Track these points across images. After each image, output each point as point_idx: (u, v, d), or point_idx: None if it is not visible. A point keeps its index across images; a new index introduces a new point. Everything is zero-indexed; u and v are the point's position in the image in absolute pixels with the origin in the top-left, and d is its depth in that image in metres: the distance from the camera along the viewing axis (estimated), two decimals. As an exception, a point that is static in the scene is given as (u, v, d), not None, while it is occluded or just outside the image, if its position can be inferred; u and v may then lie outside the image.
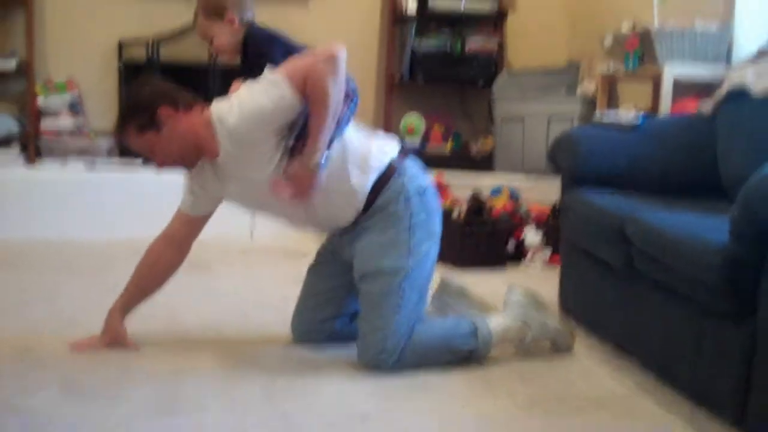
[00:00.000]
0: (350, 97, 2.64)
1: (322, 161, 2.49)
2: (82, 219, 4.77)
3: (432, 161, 5.55)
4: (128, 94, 2.68)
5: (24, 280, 3.73)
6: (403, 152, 2.71)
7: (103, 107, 5.38)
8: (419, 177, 2.69)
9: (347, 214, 2.65)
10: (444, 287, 3.05)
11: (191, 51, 5.37)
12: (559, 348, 2.84)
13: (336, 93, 2.44)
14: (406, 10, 5.80)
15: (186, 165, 2.67)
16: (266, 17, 5.64)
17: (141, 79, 2.69)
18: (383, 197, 2.61)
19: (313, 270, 2.91)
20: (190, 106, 2.59)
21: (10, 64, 5.31)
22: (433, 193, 2.72)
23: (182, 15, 5.41)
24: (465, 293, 3.02)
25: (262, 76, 2.47)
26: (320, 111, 2.44)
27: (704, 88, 4.05)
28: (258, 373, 2.58)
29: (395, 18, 5.95)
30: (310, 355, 2.77)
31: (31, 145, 5.26)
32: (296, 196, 2.53)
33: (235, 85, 2.64)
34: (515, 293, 2.84)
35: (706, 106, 3.37)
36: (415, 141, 5.83)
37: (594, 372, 2.69)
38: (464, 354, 2.68)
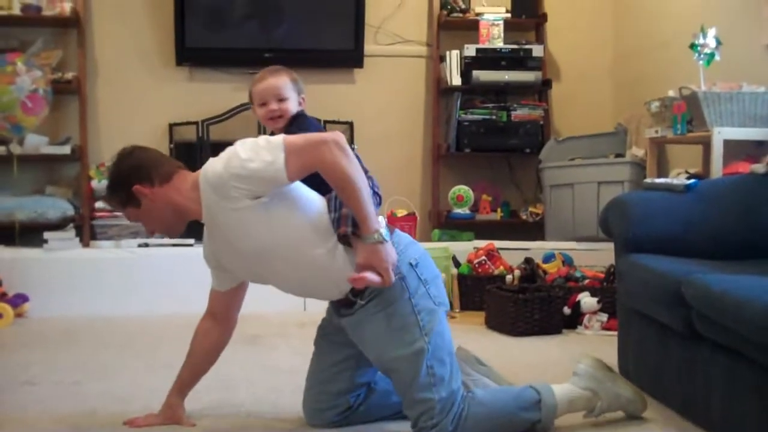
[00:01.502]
0: (380, 197, 2.71)
1: (383, 230, 2.44)
2: (136, 296, 4.84)
3: (482, 230, 5.57)
4: (111, 166, 2.68)
5: (79, 358, 3.77)
6: (390, 229, 2.61)
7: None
8: (409, 249, 2.61)
9: (339, 290, 2.58)
10: (465, 357, 2.91)
11: (238, 130, 5.46)
12: (631, 415, 2.78)
13: (355, 170, 2.40)
14: (450, 83, 5.86)
15: (173, 232, 2.70)
16: (315, 91, 5.77)
17: (124, 150, 2.68)
18: None
19: (319, 344, 2.84)
20: (168, 177, 2.58)
21: (65, 150, 5.47)
22: (426, 260, 2.65)
23: (228, 97, 5.56)
24: (482, 361, 2.93)
25: (268, 137, 2.46)
26: (351, 193, 2.41)
27: (755, 150, 4.03)
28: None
29: (440, 90, 6.01)
30: (368, 428, 2.74)
31: (86, 226, 5.36)
32: (381, 282, 2.46)
33: None
34: (584, 363, 2.77)
35: (760, 167, 3.33)
36: (464, 210, 5.83)
37: (658, 438, 2.63)
38: (527, 425, 2.62)
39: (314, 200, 2.55)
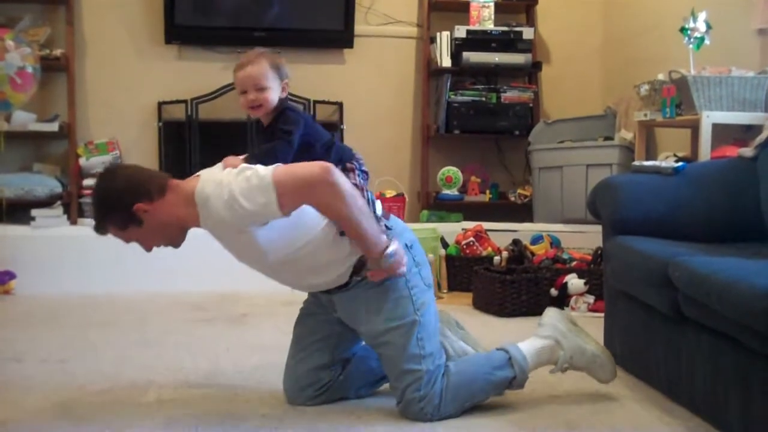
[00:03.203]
0: (367, 174, 2.73)
1: (391, 248, 2.49)
2: (123, 274, 4.82)
3: (471, 211, 5.58)
4: (99, 191, 2.59)
5: (66, 335, 3.77)
6: (384, 214, 2.67)
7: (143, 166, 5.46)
8: (404, 233, 2.69)
9: (337, 280, 2.62)
10: (445, 321, 2.93)
11: (226, 109, 5.45)
12: (600, 378, 2.78)
13: (349, 203, 2.40)
14: (440, 64, 5.85)
15: (175, 244, 2.66)
16: (304, 71, 5.77)
17: (107, 171, 2.64)
18: None
19: (302, 322, 2.86)
20: (163, 190, 2.52)
21: (53, 127, 5.44)
22: (418, 246, 2.72)
23: (217, 76, 5.53)
24: (460, 325, 2.97)
25: (259, 171, 2.40)
26: (351, 228, 2.45)
27: (743, 134, 4.04)
28: (300, 423, 2.57)
29: (430, 71, 6.00)
30: (351, 403, 2.76)
31: (73, 204, 5.35)
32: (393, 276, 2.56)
33: (229, 159, 2.56)
34: (548, 315, 2.84)
35: (747, 151, 3.34)
36: (453, 191, 5.84)
37: (642, 417, 2.65)
38: (504, 384, 2.69)
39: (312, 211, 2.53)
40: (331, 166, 2.38)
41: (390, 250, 2.48)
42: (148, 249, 2.65)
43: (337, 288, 2.65)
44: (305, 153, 2.60)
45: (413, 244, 2.68)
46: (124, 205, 2.49)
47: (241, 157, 2.57)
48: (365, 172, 2.72)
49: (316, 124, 2.76)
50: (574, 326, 2.82)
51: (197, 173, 2.58)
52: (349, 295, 2.65)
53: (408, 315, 2.59)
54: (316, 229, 2.52)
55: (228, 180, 2.41)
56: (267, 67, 2.65)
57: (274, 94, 2.65)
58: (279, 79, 2.66)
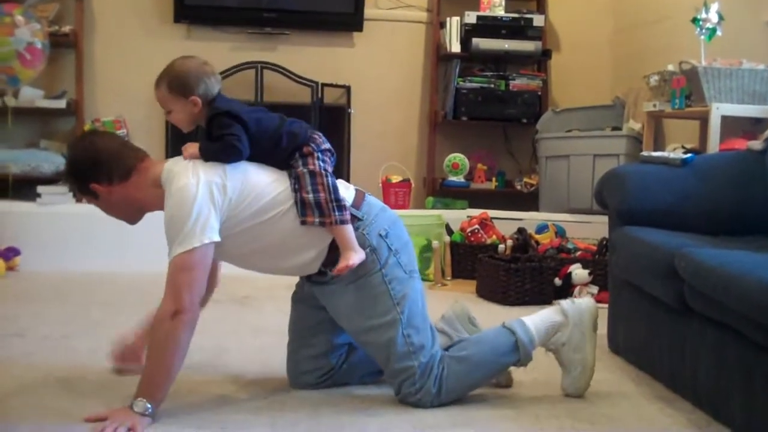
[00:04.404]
0: (331, 152, 2.63)
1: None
2: (128, 253, 4.83)
3: (476, 198, 5.57)
4: (68, 152, 2.66)
5: (69, 312, 3.78)
6: (359, 196, 2.63)
7: (150, 145, 5.41)
8: (379, 219, 2.61)
9: (310, 267, 2.60)
10: (460, 313, 2.88)
11: (234, 90, 5.44)
12: (567, 385, 2.71)
13: (166, 356, 2.39)
14: (449, 49, 5.83)
15: (131, 222, 2.68)
16: (313, 53, 5.76)
17: (83, 139, 2.63)
18: None
19: (295, 309, 2.83)
20: (127, 174, 2.53)
21: (60, 104, 5.43)
22: (397, 228, 2.64)
23: (225, 56, 5.52)
24: (474, 322, 2.88)
25: (186, 233, 2.38)
26: (152, 363, 2.41)
27: (752, 127, 4.02)
28: (303, 407, 2.57)
29: (439, 57, 5.99)
30: (354, 389, 2.76)
31: (80, 181, 5.33)
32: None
33: (189, 147, 2.54)
34: (585, 300, 2.75)
35: (756, 143, 3.32)
36: (459, 178, 5.83)
37: (645, 408, 2.64)
38: (507, 367, 2.70)
39: (272, 196, 2.52)
40: (187, 321, 2.37)
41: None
42: (108, 214, 2.68)
43: (316, 281, 2.64)
44: (253, 155, 2.54)
45: (389, 232, 2.59)
46: (82, 178, 2.54)
47: (197, 145, 2.53)
48: (327, 151, 2.61)
49: (260, 116, 2.61)
50: (594, 329, 2.72)
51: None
52: (328, 290, 2.62)
53: (388, 312, 2.54)
54: (275, 216, 2.51)
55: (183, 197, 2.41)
56: (164, 92, 2.55)
57: (180, 115, 2.57)
58: (183, 96, 2.54)
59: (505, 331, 2.67)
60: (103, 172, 2.52)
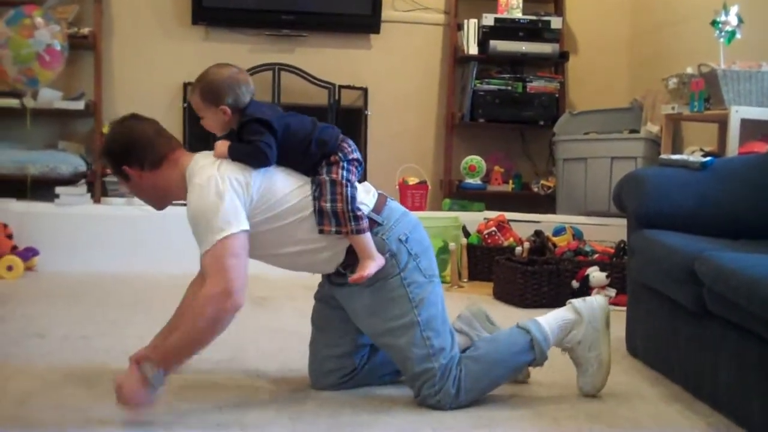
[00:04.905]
0: (359, 161, 2.64)
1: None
2: (146, 253, 4.85)
3: (493, 201, 5.57)
4: (108, 132, 2.71)
5: (88, 313, 3.80)
6: (381, 200, 2.64)
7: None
8: (399, 224, 2.62)
9: (327, 267, 2.62)
10: (477, 312, 2.89)
11: (257, 90, 5.42)
12: (584, 383, 2.72)
13: (204, 333, 2.42)
14: (467, 51, 5.83)
15: (157, 208, 2.71)
16: (330, 55, 5.77)
17: (123, 120, 2.66)
18: None
19: (317, 309, 2.84)
20: (159, 163, 2.57)
21: (79, 105, 5.46)
22: (417, 232, 2.65)
23: (243, 58, 5.53)
24: (491, 320, 2.89)
25: (214, 225, 2.41)
26: (181, 340, 2.44)
27: (771, 130, 4.01)
28: (322, 407, 2.57)
29: (456, 59, 5.99)
30: (374, 390, 2.76)
31: (97, 182, 5.37)
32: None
33: (220, 146, 2.56)
34: (598, 299, 2.76)
35: (776, 146, 3.31)
36: (476, 180, 5.83)
37: (664, 412, 2.64)
38: (524, 366, 2.72)
39: (292, 203, 2.54)
40: (236, 305, 2.40)
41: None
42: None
43: (335, 278, 2.66)
44: (281, 160, 2.57)
45: (409, 236, 2.60)
46: (115, 160, 2.58)
47: (227, 144, 2.55)
48: (355, 160, 2.62)
49: (290, 121, 2.63)
50: (607, 326, 2.72)
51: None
52: (346, 292, 2.63)
53: (405, 314, 2.55)
54: (295, 222, 2.54)
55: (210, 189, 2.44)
56: (197, 99, 2.61)
57: (211, 122, 2.62)
58: (214, 105, 2.58)
59: (519, 331, 2.68)
60: (136, 157, 2.56)
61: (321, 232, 2.51)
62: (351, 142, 2.66)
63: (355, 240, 2.52)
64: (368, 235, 2.53)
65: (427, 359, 2.55)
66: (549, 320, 2.70)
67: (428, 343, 2.55)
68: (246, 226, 2.43)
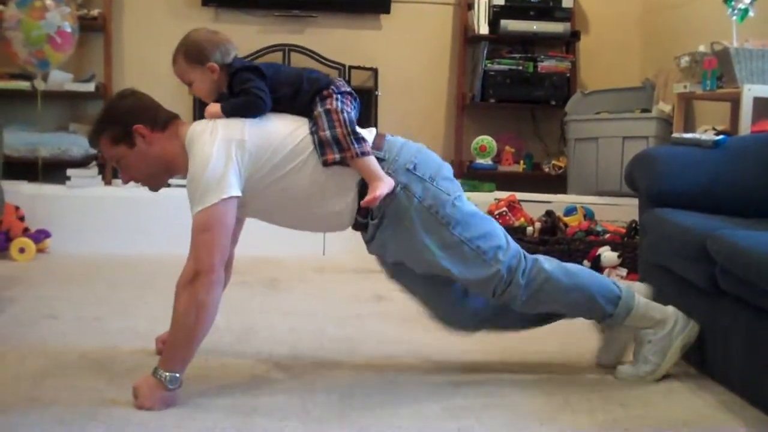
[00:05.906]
0: (352, 95, 2.63)
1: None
2: (157, 235, 4.85)
3: (504, 181, 5.55)
4: (109, 102, 2.69)
5: (100, 294, 3.82)
6: (379, 137, 2.60)
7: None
8: (402, 154, 2.57)
9: (342, 219, 2.59)
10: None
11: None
12: (629, 371, 2.74)
13: (192, 327, 2.38)
14: (477, 31, 5.80)
15: (153, 185, 2.67)
16: (340, 36, 5.74)
17: (124, 91, 2.65)
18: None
19: (392, 277, 2.79)
20: (165, 126, 2.56)
21: (89, 87, 5.47)
22: (423, 155, 2.60)
23: (253, 39, 5.53)
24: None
25: (209, 187, 2.39)
26: (174, 332, 2.42)
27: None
28: (334, 389, 2.58)
29: (467, 38, 5.96)
30: (386, 372, 2.77)
31: (108, 165, 5.36)
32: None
33: (211, 107, 2.55)
34: (692, 321, 2.74)
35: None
36: (487, 161, 5.81)
37: (676, 391, 2.64)
38: (598, 314, 2.69)
39: (291, 147, 2.51)
40: (209, 282, 2.37)
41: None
42: (126, 179, 2.69)
43: (365, 236, 2.63)
44: (274, 104, 2.56)
45: (416, 163, 2.55)
46: (125, 122, 2.53)
47: (219, 106, 2.54)
48: (348, 93, 2.61)
49: (279, 67, 2.66)
50: (681, 350, 2.71)
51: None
52: (378, 244, 2.61)
53: (445, 237, 2.53)
54: (298, 167, 2.50)
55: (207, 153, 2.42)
56: (182, 63, 2.60)
57: (200, 84, 2.61)
58: (200, 64, 2.58)
59: (614, 285, 2.70)
60: (149, 114, 2.55)
61: (325, 163, 2.47)
62: (342, 80, 2.67)
63: (361, 164, 2.48)
64: (373, 158, 2.49)
65: (488, 266, 2.55)
66: (641, 301, 2.71)
67: (479, 250, 2.55)
68: (231, 193, 2.39)
